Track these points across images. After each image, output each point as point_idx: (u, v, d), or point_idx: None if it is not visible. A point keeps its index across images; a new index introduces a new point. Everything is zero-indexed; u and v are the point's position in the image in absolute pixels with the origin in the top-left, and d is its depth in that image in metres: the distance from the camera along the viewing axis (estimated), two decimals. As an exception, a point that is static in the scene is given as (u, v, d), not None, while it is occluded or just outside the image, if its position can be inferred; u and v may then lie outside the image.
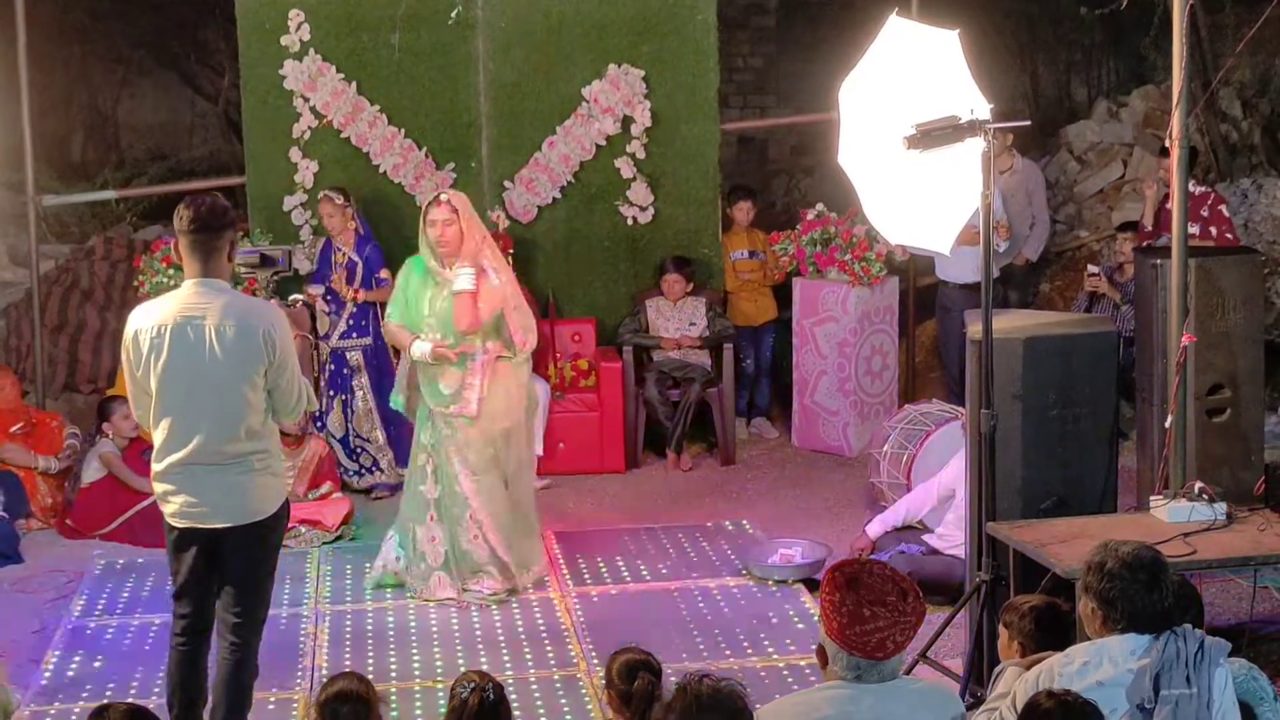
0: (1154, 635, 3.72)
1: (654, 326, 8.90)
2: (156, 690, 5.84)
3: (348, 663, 6.02)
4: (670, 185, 9.08)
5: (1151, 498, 5.42)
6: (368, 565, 6.98)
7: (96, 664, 6.12)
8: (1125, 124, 10.87)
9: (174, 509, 4.90)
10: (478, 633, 6.35)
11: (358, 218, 8.43)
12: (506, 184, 9.00)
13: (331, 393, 8.32)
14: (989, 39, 11.14)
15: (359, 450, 8.37)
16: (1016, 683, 3.85)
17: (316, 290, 8.25)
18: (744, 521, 7.71)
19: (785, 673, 5.88)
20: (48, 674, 6.02)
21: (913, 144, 5.01)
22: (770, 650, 6.10)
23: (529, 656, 6.10)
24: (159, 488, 4.94)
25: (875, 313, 8.95)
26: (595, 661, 5.93)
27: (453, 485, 6.53)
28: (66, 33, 11.96)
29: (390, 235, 8.53)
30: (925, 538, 6.63)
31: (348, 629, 6.39)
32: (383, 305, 7.97)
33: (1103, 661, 3.70)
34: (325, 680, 4.35)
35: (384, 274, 8.28)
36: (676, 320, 8.90)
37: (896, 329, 9.15)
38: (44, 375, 9.07)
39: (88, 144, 12.94)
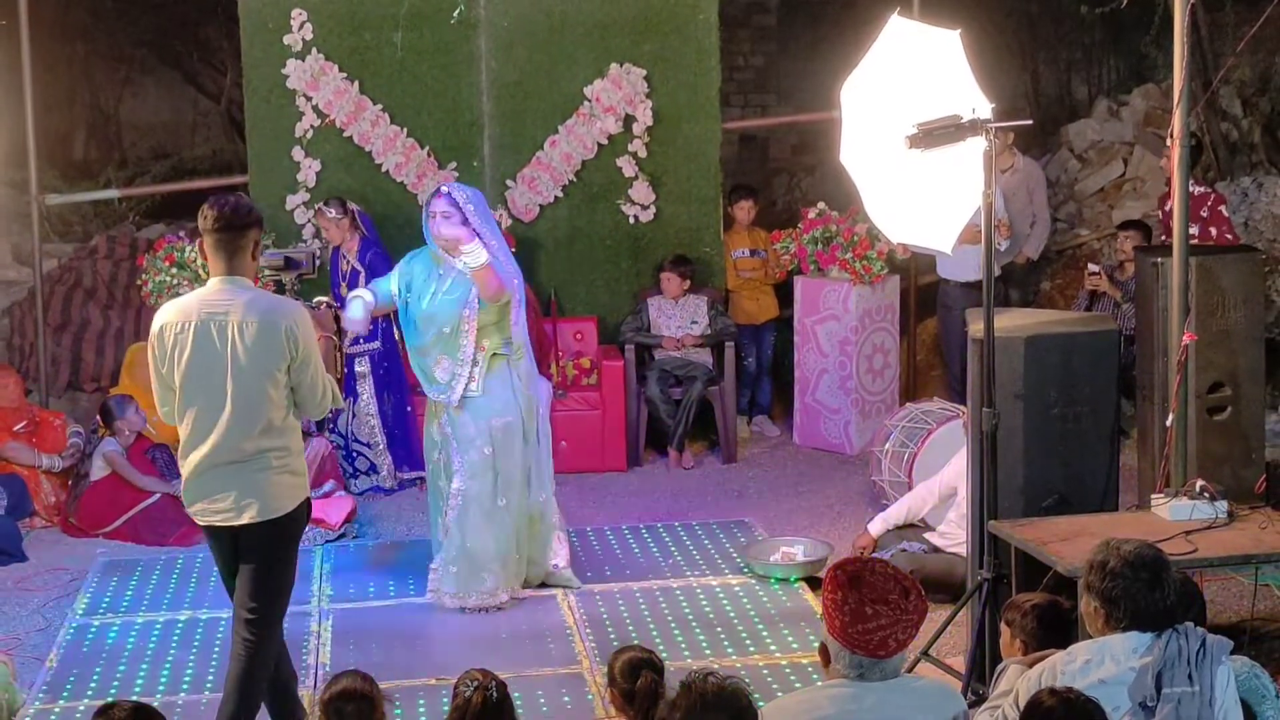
0: (1156, 633, 3.73)
1: (656, 325, 8.91)
2: (161, 688, 5.86)
3: (352, 661, 6.03)
4: (672, 184, 9.09)
5: (1153, 496, 5.44)
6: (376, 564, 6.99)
7: (100, 663, 6.13)
8: (1126, 122, 10.87)
9: (196, 507, 4.97)
10: (481, 630, 6.36)
11: (362, 222, 8.41)
12: (509, 183, 9.01)
13: (348, 398, 8.31)
14: (990, 38, 11.14)
15: (356, 454, 8.36)
16: (1019, 680, 3.86)
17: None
18: (746, 519, 7.72)
19: (787, 670, 5.89)
20: (51, 672, 6.03)
21: (914, 143, 5.02)
22: (772, 648, 6.11)
23: (532, 654, 6.11)
24: (184, 485, 5.01)
25: (876, 311, 8.96)
26: (598, 659, 5.95)
27: (446, 485, 6.51)
28: (69, 31, 11.97)
29: (394, 234, 8.53)
30: (927, 536, 6.64)
31: (351, 627, 6.40)
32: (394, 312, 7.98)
33: (1105, 659, 3.72)
34: (329, 678, 4.36)
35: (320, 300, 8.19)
36: (678, 319, 8.91)
37: (898, 327, 9.16)
38: (47, 374, 9.09)
39: (90, 143, 12.95)
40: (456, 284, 6.40)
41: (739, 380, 9.03)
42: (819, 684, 3.55)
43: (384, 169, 8.93)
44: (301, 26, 8.79)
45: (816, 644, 3.71)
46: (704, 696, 3.35)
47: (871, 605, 3.40)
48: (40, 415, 8.26)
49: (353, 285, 8.29)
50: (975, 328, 5.41)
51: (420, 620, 6.49)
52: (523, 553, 6.63)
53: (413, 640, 6.27)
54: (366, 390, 8.34)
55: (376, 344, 8.31)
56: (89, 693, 5.82)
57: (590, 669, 5.94)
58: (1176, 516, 5.18)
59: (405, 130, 8.89)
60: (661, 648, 5.95)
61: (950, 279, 9.00)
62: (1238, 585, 6.33)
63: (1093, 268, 8.79)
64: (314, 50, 8.81)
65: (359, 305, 6.44)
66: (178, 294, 8.55)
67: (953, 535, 6.42)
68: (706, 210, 9.16)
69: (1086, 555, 3.94)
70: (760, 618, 6.43)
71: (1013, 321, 5.63)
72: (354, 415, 8.34)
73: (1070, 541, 4.93)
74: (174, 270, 8.61)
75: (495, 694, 4.01)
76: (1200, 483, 5.28)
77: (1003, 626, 4.40)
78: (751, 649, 6.11)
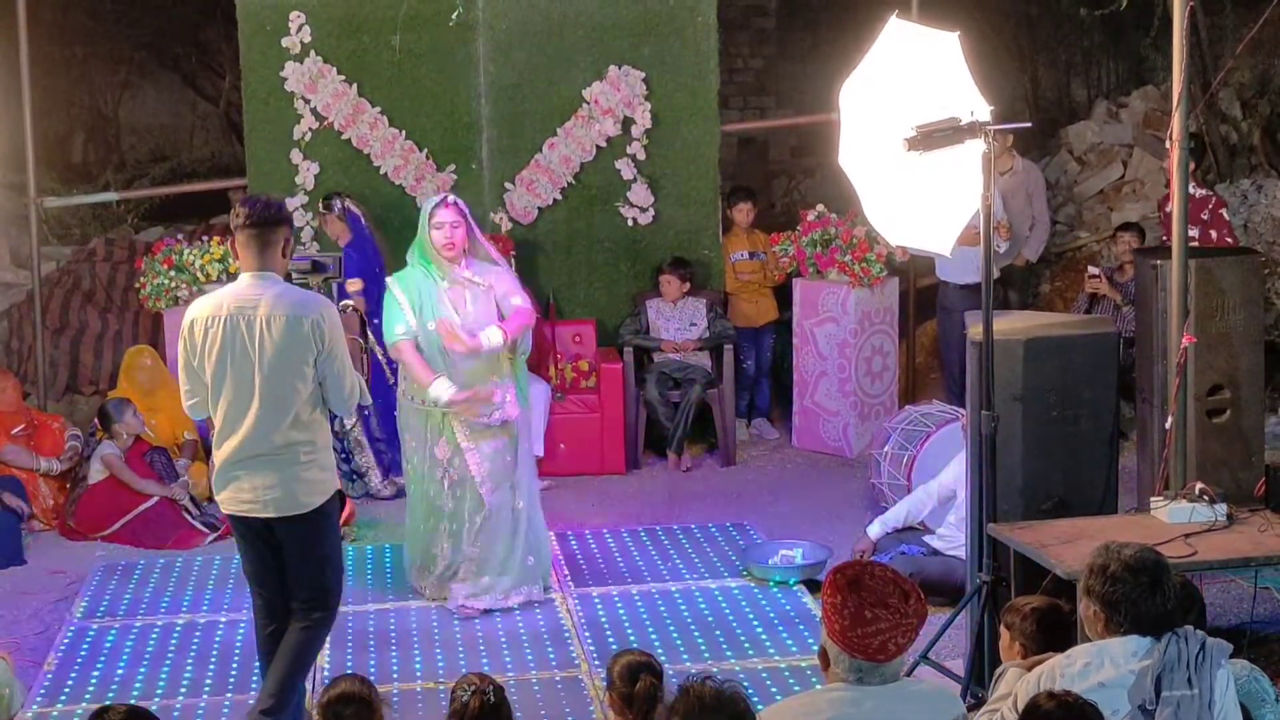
0: (1156, 637, 3.73)
1: (654, 327, 8.91)
2: (159, 692, 5.85)
3: (349, 664, 6.03)
4: (670, 186, 9.09)
5: (1152, 499, 5.42)
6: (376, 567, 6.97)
7: (98, 666, 6.12)
8: (1125, 125, 10.88)
9: (224, 497, 5.06)
10: (479, 634, 6.35)
11: (349, 220, 8.38)
12: (507, 185, 9.01)
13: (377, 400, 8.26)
14: (989, 40, 11.14)
15: (379, 453, 8.34)
16: (1018, 684, 3.85)
17: (355, 285, 8.21)
18: (745, 522, 7.71)
19: (786, 674, 5.88)
20: (50, 676, 6.02)
21: (913, 145, 5.01)
22: (771, 651, 6.11)
23: (530, 657, 6.11)
24: (215, 476, 5.10)
25: (875, 313, 8.96)
26: (597, 663, 5.94)
27: (475, 493, 6.47)
28: (68, 34, 11.97)
29: (392, 237, 8.52)
30: (926, 539, 6.63)
31: (349, 631, 6.39)
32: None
33: (1104, 662, 3.71)
34: (327, 682, 4.36)
35: (351, 284, 8.19)
36: (677, 321, 8.91)
37: (897, 330, 9.16)
38: (45, 377, 9.08)
39: (88, 145, 12.95)
40: (476, 300, 6.37)
41: (738, 383, 9.03)
42: (818, 688, 3.54)
43: (382, 171, 8.93)
44: (300, 29, 8.79)
45: (816, 647, 3.71)
46: (702, 700, 3.35)
47: (871, 609, 3.39)
48: (38, 418, 8.26)
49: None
50: (975, 330, 5.41)
51: (418, 624, 6.48)
52: (526, 562, 6.64)
53: (410, 644, 6.26)
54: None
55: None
56: (87, 696, 5.81)
57: (589, 672, 5.93)
58: (1176, 519, 5.17)
59: (404, 133, 8.90)
60: (660, 651, 5.95)
61: (949, 281, 9.01)
62: (1237, 588, 6.32)
63: (1092, 270, 8.79)
64: (312, 53, 8.81)
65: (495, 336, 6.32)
66: (176, 297, 8.63)
67: (952, 538, 6.41)
68: (705, 213, 9.16)
69: (1086, 558, 3.93)
70: (759, 621, 6.42)
71: (1012, 324, 5.63)
72: (342, 424, 8.30)
73: (1070, 544, 4.93)
74: (172, 273, 8.62)
75: (493, 698, 4.02)
76: (1199, 485, 5.27)
77: (1002, 629, 4.40)
78: (750, 652, 6.10)
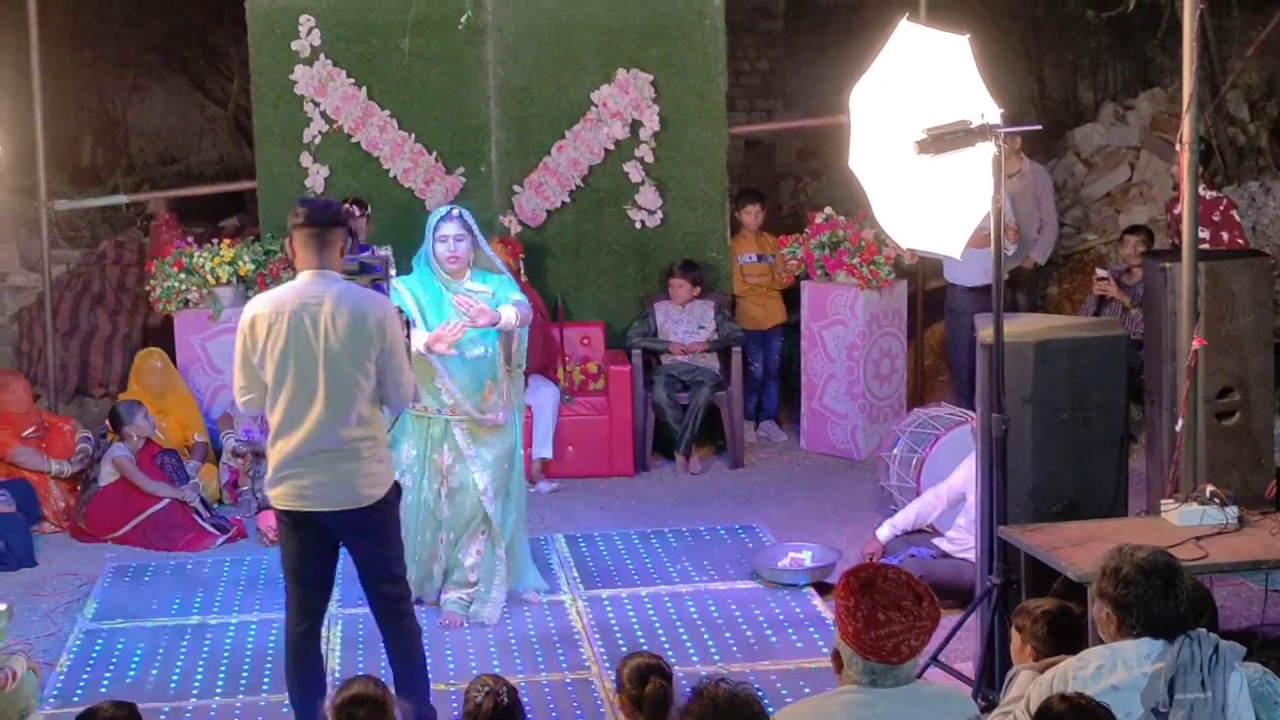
0: (1169, 639, 3.73)
1: (663, 330, 8.92)
2: (170, 694, 5.87)
3: (361, 666, 6.04)
4: (678, 189, 9.10)
5: (1163, 501, 5.42)
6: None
7: (110, 668, 6.14)
8: (1132, 127, 10.88)
9: (281, 492, 5.06)
10: (489, 636, 6.36)
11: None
12: (516, 188, 9.02)
13: None
14: (995, 42, 11.13)
15: None
16: (1030, 686, 3.86)
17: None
18: (754, 525, 7.72)
19: (796, 676, 5.89)
20: (61, 678, 6.04)
21: (923, 148, 5.02)
22: (781, 654, 6.12)
23: (541, 660, 6.12)
24: (270, 473, 5.10)
25: (884, 316, 8.96)
26: (607, 665, 5.95)
27: (474, 500, 6.47)
28: (76, 37, 11.98)
29: (400, 240, 8.51)
30: (935, 541, 6.64)
31: (361, 632, 6.40)
32: None
33: (1117, 665, 3.71)
34: (340, 684, 4.36)
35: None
36: (685, 324, 8.92)
37: (905, 332, 9.16)
38: (56, 379, 9.09)
39: (97, 148, 12.96)
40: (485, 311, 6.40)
41: (746, 385, 9.03)
42: (831, 690, 3.55)
43: (392, 174, 8.94)
44: (309, 32, 8.81)
45: (825, 650, 3.71)
46: (717, 702, 3.36)
47: (884, 611, 3.39)
48: (49, 420, 8.27)
49: None
50: (985, 333, 5.41)
51: (429, 627, 6.48)
52: (516, 562, 6.67)
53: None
54: None
55: None
56: (99, 699, 5.80)
57: (599, 675, 5.94)
58: (1186, 522, 5.17)
59: (413, 136, 8.91)
60: (670, 654, 5.95)
61: (958, 284, 8.99)
62: (1248, 591, 6.32)
63: (1101, 273, 8.79)
64: (322, 56, 8.83)
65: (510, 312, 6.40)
66: (186, 300, 8.65)
67: (961, 540, 6.42)
68: (713, 215, 9.17)
69: (1097, 561, 3.94)
70: (769, 623, 6.43)
71: (1021, 327, 5.63)
72: None
73: (1080, 547, 4.93)
74: (182, 276, 8.63)
75: (506, 699, 4.03)
76: (1210, 488, 5.27)
77: (1013, 632, 4.40)
78: (760, 655, 6.11)
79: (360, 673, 5.47)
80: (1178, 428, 5.69)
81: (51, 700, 5.81)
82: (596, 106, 8.96)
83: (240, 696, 5.85)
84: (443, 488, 6.47)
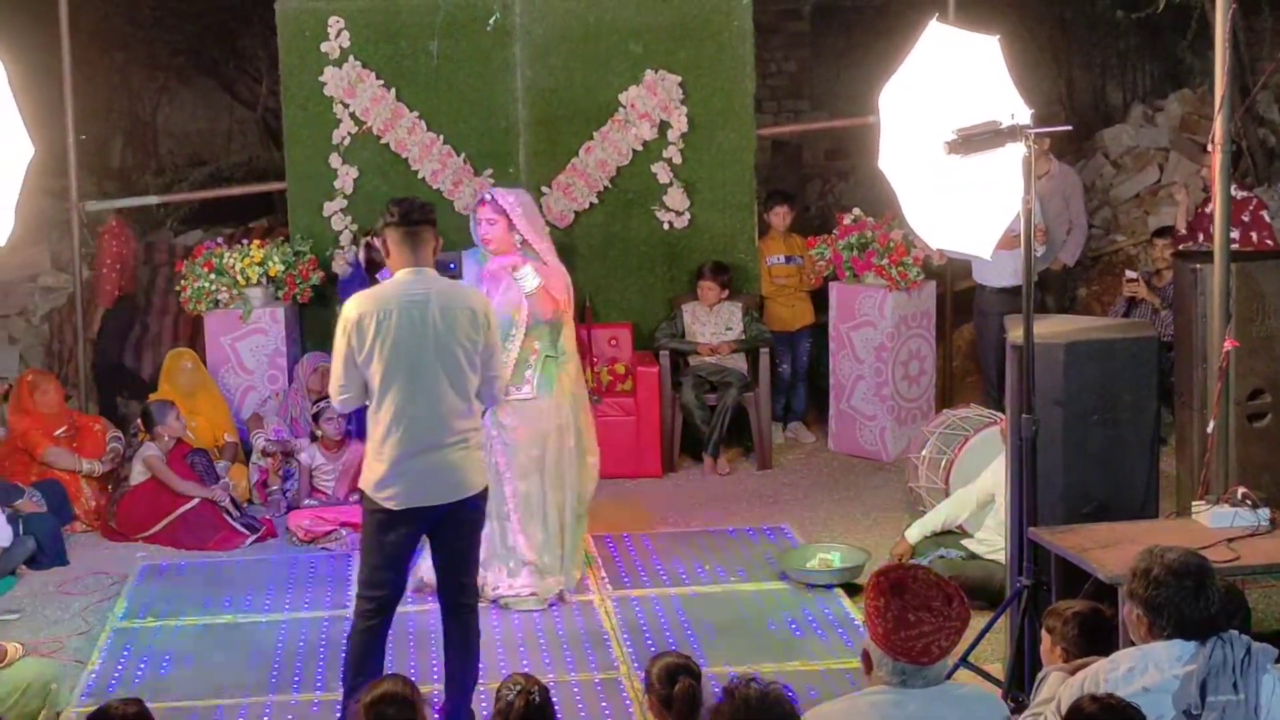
0: (1200, 641, 3.72)
1: (690, 331, 8.92)
2: (200, 693, 5.89)
3: (390, 664, 6.05)
4: (706, 190, 9.10)
5: (1194, 503, 5.40)
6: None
7: (141, 666, 6.17)
8: (1161, 128, 10.83)
9: (394, 493, 5.05)
10: (519, 635, 6.38)
11: (353, 264, 8.42)
12: (544, 189, 9.03)
13: None
14: (1023, 43, 11.11)
15: None
16: (1061, 687, 3.85)
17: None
18: (782, 526, 7.72)
19: (825, 677, 5.89)
20: (93, 676, 6.08)
21: (953, 149, 5.00)
22: (809, 655, 6.11)
23: (570, 660, 6.13)
24: (379, 470, 5.06)
25: (912, 317, 8.94)
26: (636, 665, 5.96)
27: (499, 486, 6.52)
28: (107, 40, 12.05)
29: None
30: (964, 542, 6.63)
31: (390, 631, 6.41)
32: None
33: (1149, 667, 3.70)
34: (370, 683, 4.38)
35: None
36: (713, 325, 8.92)
37: (934, 333, 9.14)
38: (86, 379, 9.15)
39: (127, 150, 13.04)
40: (507, 291, 6.44)
41: (774, 386, 9.02)
42: (860, 691, 3.55)
43: (420, 176, 8.97)
44: (339, 34, 8.84)
45: (854, 651, 3.71)
46: (748, 702, 3.36)
47: (914, 612, 3.39)
48: (80, 420, 8.33)
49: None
50: (1015, 334, 5.40)
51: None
52: (566, 550, 6.65)
53: (450, 645, 6.28)
54: None
55: None
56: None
57: (628, 675, 5.95)
58: (1218, 524, 5.15)
59: (441, 137, 8.94)
60: (698, 654, 5.95)
61: (986, 285, 8.97)
62: (1279, 594, 6.28)
63: (1130, 274, 8.76)
64: (351, 58, 8.86)
65: (530, 277, 6.48)
66: (216, 300, 8.69)
67: (991, 542, 6.40)
68: (741, 216, 9.16)
69: (1128, 562, 3.92)
70: (798, 624, 6.43)
71: (1051, 328, 5.62)
72: None
73: (1111, 549, 4.91)
74: (213, 276, 8.68)
75: (538, 698, 4.04)
76: (1241, 490, 5.24)
77: (1044, 634, 4.39)
78: (789, 656, 6.11)
79: (390, 671, 5.49)
80: (1209, 429, 5.66)
81: (83, 699, 5.84)
82: (624, 108, 8.97)
83: (270, 696, 5.87)
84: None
